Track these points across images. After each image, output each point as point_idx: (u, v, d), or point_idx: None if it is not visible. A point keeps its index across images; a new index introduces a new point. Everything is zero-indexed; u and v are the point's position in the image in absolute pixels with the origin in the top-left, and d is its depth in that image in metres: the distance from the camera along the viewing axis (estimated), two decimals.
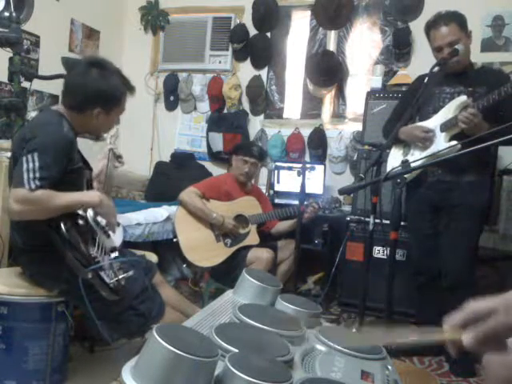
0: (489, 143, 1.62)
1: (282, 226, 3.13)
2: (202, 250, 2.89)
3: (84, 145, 2.13)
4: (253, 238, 2.96)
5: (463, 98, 2.33)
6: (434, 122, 2.43)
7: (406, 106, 2.47)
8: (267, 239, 3.09)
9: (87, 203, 1.77)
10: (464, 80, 2.42)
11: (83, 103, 1.87)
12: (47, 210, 1.66)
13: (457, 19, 2.36)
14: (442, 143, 2.34)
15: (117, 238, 2.02)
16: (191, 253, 2.88)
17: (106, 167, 2.07)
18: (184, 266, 3.30)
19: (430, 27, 2.41)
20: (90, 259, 1.70)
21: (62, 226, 1.68)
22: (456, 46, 2.32)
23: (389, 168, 2.37)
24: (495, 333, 0.71)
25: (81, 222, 1.77)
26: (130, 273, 1.80)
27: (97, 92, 1.86)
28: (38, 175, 1.63)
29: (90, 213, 1.81)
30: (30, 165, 1.64)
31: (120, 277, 1.75)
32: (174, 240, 2.92)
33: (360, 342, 1.09)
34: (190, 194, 2.92)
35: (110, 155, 2.11)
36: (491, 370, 0.75)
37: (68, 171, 1.77)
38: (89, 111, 1.88)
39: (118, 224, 2.15)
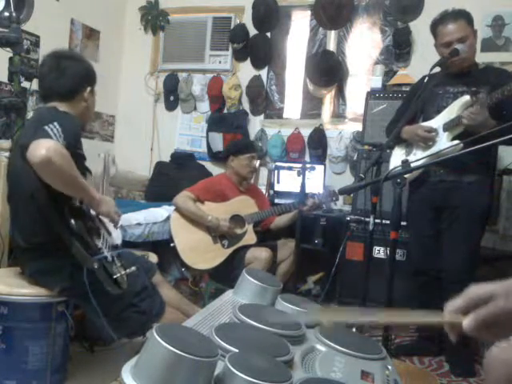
0: (490, 143, 1.62)
1: (281, 220, 3.12)
2: (200, 252, 2.88)
3: (89, 145, 2.14)
4: (250, 237, 2.95)
5: (466, 97, 2.33)
6: (437, 122, 2.43)
7: (409, 106, 2.47)
8: (266, 237, 3.09)
9: (91, 197, 1.77)
10: (467, 80, 2.42)
11: (75, 87, 1.92)
12: (67, 175, 1.60)
13: (465, 16, 2.38)
14: (444, 142, 2.34)
15: (116, 239, 2.03)
16: (189, 256, 2.87)
17: (102, 173, 2.10)
18: (183, 269, 3.32)
19: (438, 24, 2.42)
20: (96, 249, 1.74)
21: (72, 220, 1.70)
22: (456, 46, 2.33)
23: (391, 167, 2.37)
24: (495, 318, 0.71)
25: (86, 219, 1.80)
26: (133, 268, 1.82)
27: (83, 72, 1.95)
28: (62, 135, 1.62)
29: (93, 211, 1.83)
30: (54, 129, 1.62)
31: (123, 272, 1.78)
32: (171, 245, 2.92)
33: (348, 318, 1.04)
34: (183, 198, 2.92)
35: (109, 160, 2.14)
36: (492, 368, 0.75)
37: (77, 154, 1.78)
38: (80, 94, 1.93)
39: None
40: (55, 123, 1.63)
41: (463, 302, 0.73)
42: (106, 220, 1.95)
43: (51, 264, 1.81)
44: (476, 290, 0.73)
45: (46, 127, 1.61)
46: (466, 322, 0.72)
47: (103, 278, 1.71)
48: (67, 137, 1.63)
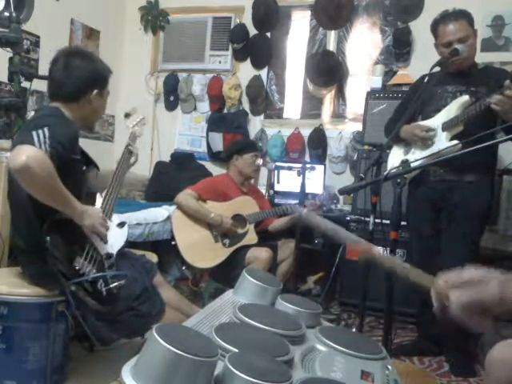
0: (490, 143, 1.61)
1: (279, 222, 3.13)
2: (201, 250, 2.88)
3: (89, 145, 2.13)
4: (251, 237, 2.96)
5: (465, 97, 2.33)
6: (435, 121, 2.43)
7: (408, 105, 2.47)
8: (266, 238, 3.09)
9: (72, 209, 1.69)
10: (467, 79, 2.42)
11: (80, 89, 1.88)
12: (44, 184, 1.55)
13: (466, 16, 2.38)
14: (443, 142, 2.34)
15: (118, 241, 2.00)
16: (190, 254, 2.87)
17: (118, 163, 2.05)
18: (183, 268, 3.32)
19: (439, 23, 2.41)
20: (74, 272, 1.68)
21: (48, 238, 1.65)
22: (456, 46, 2.33)
23: (389, 166, 2.36)
24: (482, 302, 0.71)
25: (72, 229, 1.75)
26: (123, 282, 1.78)
27: (90, 74, 1.89)
28: (48, 142, 1.58)
29: None
30: (41, 135, 1.58)
31: (112, 285, 1.74)
32: (173, 243, 2.92)
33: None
34: (185, 196, 2.92)
35: (126, 152, 2.10)
36: (493, 369, 0.75)
37: (70, 159, 1.75)
38: (86, 97, 1.89)
39: (124, 224, 2.13)
40: (45, 128, 1.60)
41: (458, 277, 0.74)
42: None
43: (50, 267, 1.80)
44: (473, 271, 0.73)
45: (34, 132, 1.58)
46: (455, 296, 0.72)
47: (84, 298, 1.69)
48: (53, 143, 1.58)
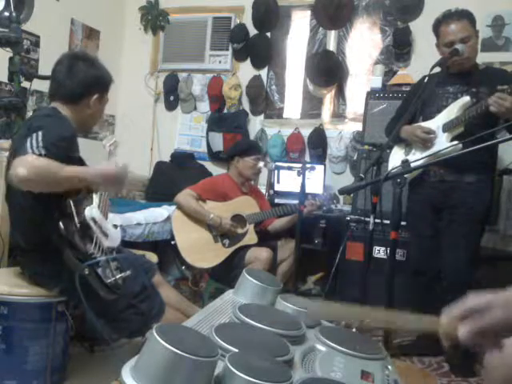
0: (490, 143, 1.62)
1: (279, 223, 3.14)
2: (200, 251, 2.89)
3: (88, 145, 2.13)
4: (251, 237, 2.96)
5: (466, 98, 2.33)
6: (436, 122, 2.43)
7: (409, 105, 2.47)
8: (265, 238, 3.09)
9: (84, 179, 1.72)
10: (468, 80, 2.42)
11: (81, 92, 1.89)
12: (53, 180, 1.60)
13: (468, 17, 2.39)
14: (443, 143, 2.34)
15: (114, 240, 2.01)
16: (189, 254, 2.88)
17: None
18: (183, 268, 3.31)
19: (441, 22, 2.41)
20: (87, 255, 1.71)
21: (61, 223, 1.67)
22: (457, 46, 2.33)
23: (390, 167, 2.36)
24: (491, 328, 0.70)
25: (78, 221, 1.76)
26: (128, 272, 1.80)
27: (93, 79, 1.91)
28: (41, 145, 1.62)
29: (87, 212, 1.80)
30: (34, 139, 1.62)
31: (117, 276, 1.76)
32: (172, 242, 2.92)
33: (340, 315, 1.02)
34: (185, 196, 2.92)
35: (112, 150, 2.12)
36: (491, 367, 0.75)
37: (67, 158, 1.75)
38: (86, 100, 1.91)
39: (116, 226, 2.14)
40: (39, 132, 1.64)
41: (460, 311, 0.73)
42: (102, 223, 1.92)
43: (51, 267, 1.80)
44: (474, 300, 0.73)
45: (28, 139, 1.63)
46: (462, 331, 0.72)
47: (95, 284, 1.70)
48: (47, 145, 1.62)
